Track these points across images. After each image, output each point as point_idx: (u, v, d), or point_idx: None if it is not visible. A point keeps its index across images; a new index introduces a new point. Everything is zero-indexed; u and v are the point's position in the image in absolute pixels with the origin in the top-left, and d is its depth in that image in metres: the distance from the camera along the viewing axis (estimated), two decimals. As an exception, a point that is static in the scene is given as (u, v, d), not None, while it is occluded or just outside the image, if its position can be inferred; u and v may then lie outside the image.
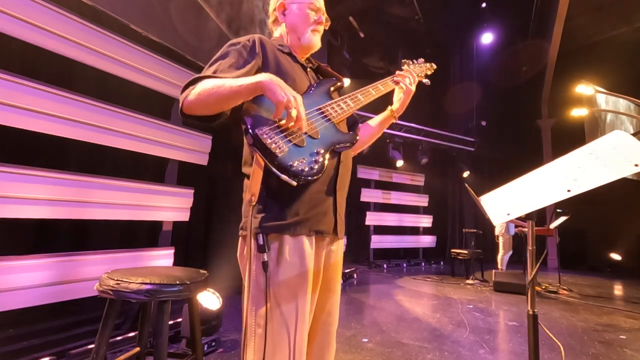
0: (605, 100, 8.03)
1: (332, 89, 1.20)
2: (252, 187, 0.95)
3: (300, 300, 0.99)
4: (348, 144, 1.09)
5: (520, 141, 9.05)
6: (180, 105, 0.98)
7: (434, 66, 1.54)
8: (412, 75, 1.34)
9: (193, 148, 3.08)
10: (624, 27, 7.68)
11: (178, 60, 3.00)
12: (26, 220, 2.04)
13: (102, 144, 2.43)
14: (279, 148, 0.91)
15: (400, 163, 7.40)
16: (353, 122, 1.27)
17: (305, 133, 0.99)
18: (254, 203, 0.95)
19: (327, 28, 1.27)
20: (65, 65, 2.36)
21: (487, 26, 9.09)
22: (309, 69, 1.23)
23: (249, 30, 4.10)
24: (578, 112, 5.12)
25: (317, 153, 0.98)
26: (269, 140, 0.91)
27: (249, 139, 0.93)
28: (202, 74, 0.99)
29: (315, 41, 1.21)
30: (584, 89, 3.58)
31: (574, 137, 7.41)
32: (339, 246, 1.17)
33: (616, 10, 7.38)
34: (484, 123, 8.98)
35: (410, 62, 1.47)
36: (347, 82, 6.25)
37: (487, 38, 9.16)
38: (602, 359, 2.62)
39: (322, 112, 1.08)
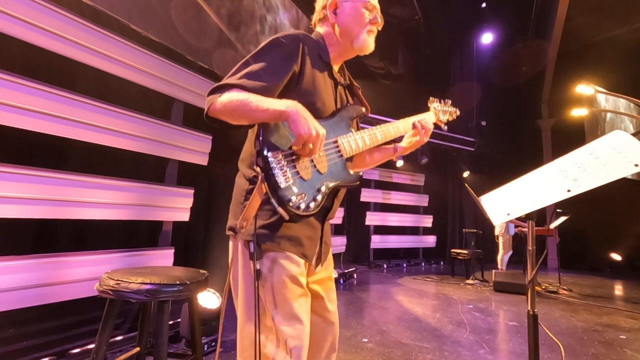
0: (605, 99, 8.03)
1: (352, 120, 1.15)
2: (247, 213, 0.92)
3: (296, 307, 0.99)
4: (351, 185, 1.08)
5: (520, 141, 9.05)
6: (206, 109, 0.95)
7: (458, 112, 1.50)
8: (431, 125, 1.31)
9: (193, 148, 3.08)
10: (624, 27, 7.68)
11: (178, 60, 3.00)
12: (26, 220, 2.04)
13: (102, 144, 2.43)
14: (285, 178, 0.90)
15: (400, 163, 7.39)
16: None
17: (315, 166, 0.98)
18: (244, 230, 0.94)
19: (380, 29, 1.19)
20: (65, 65, 2.36)
21: (487, 26, 9.08)
22: (339, 87, 1.18)
23: (249, 26, 4.09)
24: (578, 112, 5.11)
25: (319, 191, 0.97)
26: (277, 169, 0.90)
27: (260, 162, 0.91)
28: (234, 81, 0.94)
29: (370, 43, 1.14)
30: (584, 89, 3.58)
31: (574, 137, 7.41)
32: (327, 268, 1.19)
33: (616, 10, 7.38)
34: (484, 123, 8.97)
35: (438, 102, 1.43)
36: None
37: (487, 38, 9.16)
38: (602, 359, 2.62)
39: (337, 146, 1.06)
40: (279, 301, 0.98)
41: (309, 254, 1.06)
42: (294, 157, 0.93)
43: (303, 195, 0.93)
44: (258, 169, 0.90)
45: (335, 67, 1.19)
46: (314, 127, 0.89)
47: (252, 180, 1.02)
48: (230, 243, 1.09)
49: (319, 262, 1.13)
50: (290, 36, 1.03)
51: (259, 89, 0.93)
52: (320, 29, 1.18)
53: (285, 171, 0.91)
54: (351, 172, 1.09)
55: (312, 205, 0.95)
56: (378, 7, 1.16)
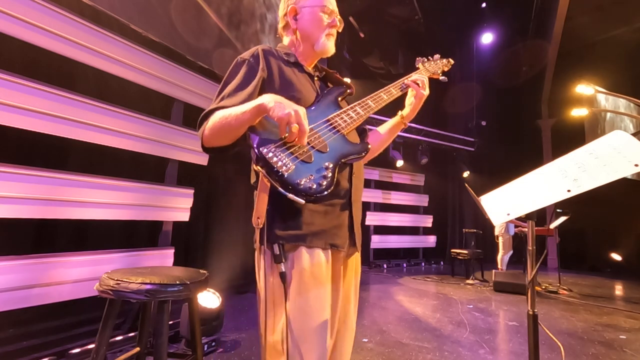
0: (605, 99, 8.03)
1: (339, 98, 1.16)
2: (258, 209, 0.92)
3: (321, 311, 0.97)
4: (359, 155, 1.05)
5: (520, 141, 9.05)
6: (200, 141, 1.00)
7: (451, 61, 1.49)
8: (425, 77, 1.30)
9: (193, 148, 3.08)
10: (624, 27, 7.68)
11: (178, 60, 3.01)
12: (26, 220, 2.04)
13: (102, 144, 2.43)
14: (285, 166, 0.89)
15: (400, 163, 7.40)
16: (361, 130, 1.23)
17: (313, 148, 0.97)
18: (261, 225, 0.93)
19: (340, 31, 1.23)
20: (65, 65, 2.36)
21: (487, 26, 9.09)
22: (316, 79, 1.20)
23: (249, 25, 4.09)
24: (578, 112, 5.12)
25: (326, 168, 0.95)
26: (275, 159, 0.89)
27: (254, 156, 0.91)
28: (212, 107, 0.99)
29: (329, 47, 1.18)
30: (584, 89, 3.58)
31: (574, 137, 7.41)
32: (356, 257, 1.16)
33: (616, 10, 7.38)
34: (484, 123, 8.97)
35: (425, 60, 1.42)
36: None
37: (487, 38, 9.16)
38: (602, 359, 2.62)
39: (331, 124, 1.04)
40: (300, 302, 0.96)
41: (339, 242, 1.04)
42: (288, 146, 0.93)
43: (310, 176, 0.92)
44: (258, 167, 0.90)
45: (308, 68, 1.20)
46: (291, 106, 0.89)
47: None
48: (256, 254, 1.07)
49: (353, 248, 1.11)
50: (249, 52, 1.10)
51: (236, 103, 0.98)
52: (285, 40, 1.24)
53: (284, 160, 0.90)
54: (354, 143, 1.08)
55: (324, 183, 0.92)
56: (336, 10, 1.20)
